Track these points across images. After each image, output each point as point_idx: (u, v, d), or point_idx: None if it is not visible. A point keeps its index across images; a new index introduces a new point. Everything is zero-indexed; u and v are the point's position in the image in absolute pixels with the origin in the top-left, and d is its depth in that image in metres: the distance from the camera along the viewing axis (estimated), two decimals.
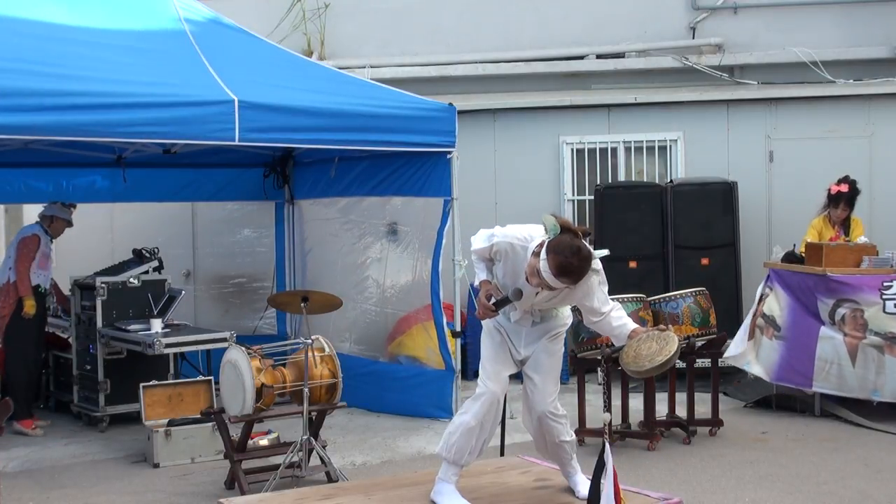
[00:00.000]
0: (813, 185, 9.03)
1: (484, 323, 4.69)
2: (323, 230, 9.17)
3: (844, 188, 8.20)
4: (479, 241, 4.59)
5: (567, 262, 4.14)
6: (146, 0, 7.44)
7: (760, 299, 8.00)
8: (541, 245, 4.24)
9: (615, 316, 4.53)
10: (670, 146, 10.31)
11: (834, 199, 8.25)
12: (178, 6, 7.42)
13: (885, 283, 7.33)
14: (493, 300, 4.46)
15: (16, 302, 7.91)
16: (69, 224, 8.28)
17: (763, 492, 5.91)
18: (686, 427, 7.18)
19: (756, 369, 7.87)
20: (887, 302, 7.31)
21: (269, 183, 9.61)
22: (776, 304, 7.84)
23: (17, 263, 7.92)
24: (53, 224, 8.18)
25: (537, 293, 4.39)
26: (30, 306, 7.88)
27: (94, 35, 6.91)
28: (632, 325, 4.54)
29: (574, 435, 4.91)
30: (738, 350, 7.92)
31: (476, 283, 4.63)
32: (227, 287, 9.89)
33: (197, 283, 9.81)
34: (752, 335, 7.93)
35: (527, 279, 4.30)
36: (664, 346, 4.29)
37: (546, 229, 4.25)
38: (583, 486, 4.59)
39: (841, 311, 7.43)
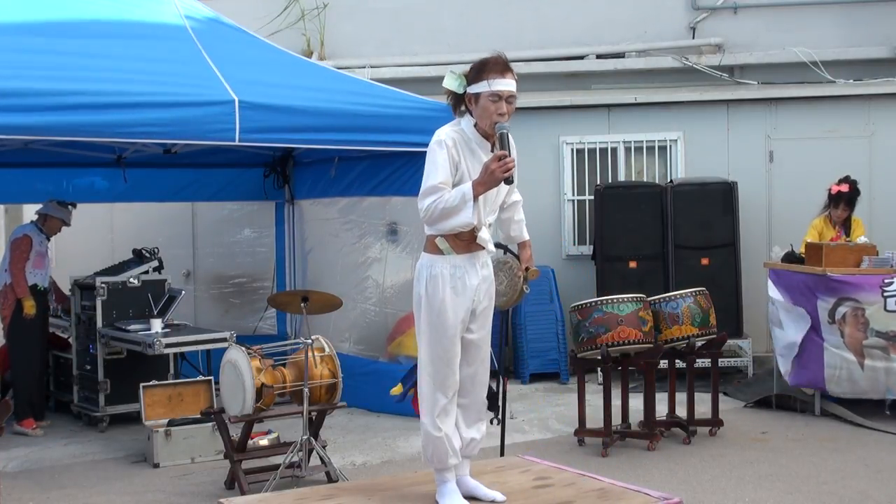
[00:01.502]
0: (813, 185, 9.03)
1: (431, 309, 4.04)
2: (323, 230, 9.17)
3: (845, 188, 8.19)
4: (430, 176, 3.98)
5: (494, 59, 4.07)
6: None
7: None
8: (468, 100, 4.08)
9: (519, 213, 4.36)
10: (670, 146, 10.31)
11: (834, 200, 8.25)
12: (179, 4, 7.42)
13: (886, 281, 7.33)
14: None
15: (15, 303, 7.91)
16: (65, 223, 8.26)
17: (763, 492, 5.91)
18: (686, 427, 7.18)
19: (781, 363, 7.88)
20: (888, 299, 7.30)
21: (269, 183, 9.61)
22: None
23: (11, 266, 7.90)
24: (47, 222, 8.16)
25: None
26: (29, 307, 7.87)
27: (95, 34, 6.92)
28: (526, 234, 4.38)
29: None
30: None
31: (468, 198, 3.90)
32: (227, 287, 9.90)
33: (197, 283, 9.82)
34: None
35: (484, 127, 4.06)
36: (508, 293, 4.34)
37: (455, 89, 4.09)
38: (485, 489, 4.33)
39: (842, 309, 7.43)
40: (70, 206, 8.27)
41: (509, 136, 4.03)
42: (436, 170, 4.00)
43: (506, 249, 4.37)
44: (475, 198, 3.92)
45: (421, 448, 4.33)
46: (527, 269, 4.31)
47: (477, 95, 4.05)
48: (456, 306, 4.07)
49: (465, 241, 4.09)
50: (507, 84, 4.06)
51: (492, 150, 4.07)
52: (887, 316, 7.31)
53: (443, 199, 3.94)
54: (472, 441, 4.34)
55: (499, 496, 4.29)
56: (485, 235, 4.11)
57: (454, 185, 4.01)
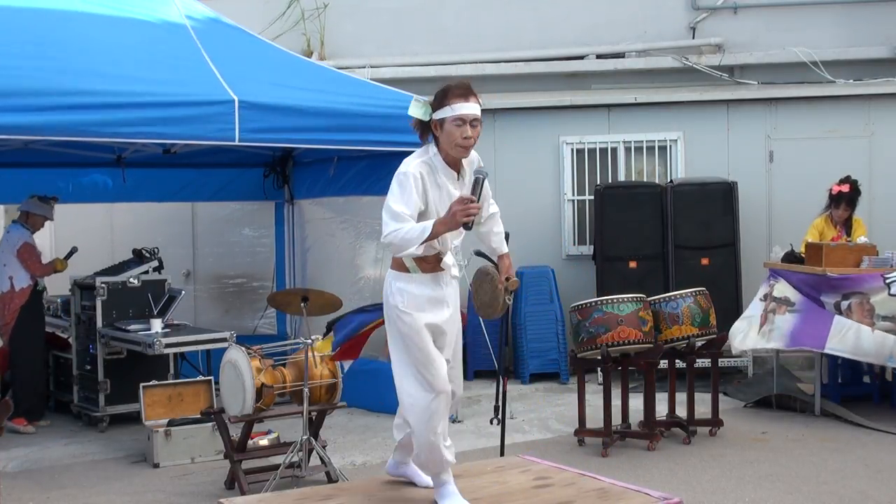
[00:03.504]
0: (813, 185, 9.03)
1: (400, 317, 4.18)
2: (322, 229, 9.17)
3: (846, 188, 8.19)
4: (398, 202, 4.07)
5: (457, 85, 4.10)
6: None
7: (766, 296, 7.96)
8: (434, 126, 4.12)
9: (497, 224, 4.48)
10: (670, 146, 10.31)
11: (835, 200, 8.25)
12: (180, 4, 7.43)
13: (887, 274, 7.32)
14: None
15: (18, 310, 7.91)
16: (47, 218, 8.23)
17: (763, 492, 5.91)
18: (686, 427, 7.17)
19: (772, 345, 7.78)
20: (892, 285, 7.26)
21: (269, 183, 9.61)
22: (786, 288, 7.81)
23: (36, 271, 7.98)
24: (30, 219, 8.14)
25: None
26: (60, 264, 8.16)
27: (95, 33, 6.91)
28: (505, 247, 4.50)
29: None
30: (749, 341, 7.89)
31: (425, 235, 3.98)
32: (227, 287, 9.90)
33: (197, 283, 9.82)
34: (763, 323, 7.87)
35: (449, 152, 4.10)
36: (491, 306, 4.45)
37: (421, 116, 4.14)
38: (422, 476, 4.51)
39: (846, 302, 7.41)
40: (52, 201, 8.20)
41: (485, 182, 4.14)
42: (404, 197, 4.08)
43: (485, 256, 4.49)
44: (434, 236, 4.01)
45: (414, 456, 4.35)
46: (507, 279, 4.40)
47: (442, 121, 4.10)
48: (425, 314, 4.18)
49: (431, 264, 4.21)
50: (470, 108, 4.09)
51: (461, 189, 4.13)
52: (892, 300, 7.27)
53: (405, 230, 4.03)
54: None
55: (431, 482, 4.42)
56: (448, 260, 4.22)
57: (421, 214, 4.09)
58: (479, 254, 4.90)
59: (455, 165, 4.19)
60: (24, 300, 7.98)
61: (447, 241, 4.19)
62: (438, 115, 4.10)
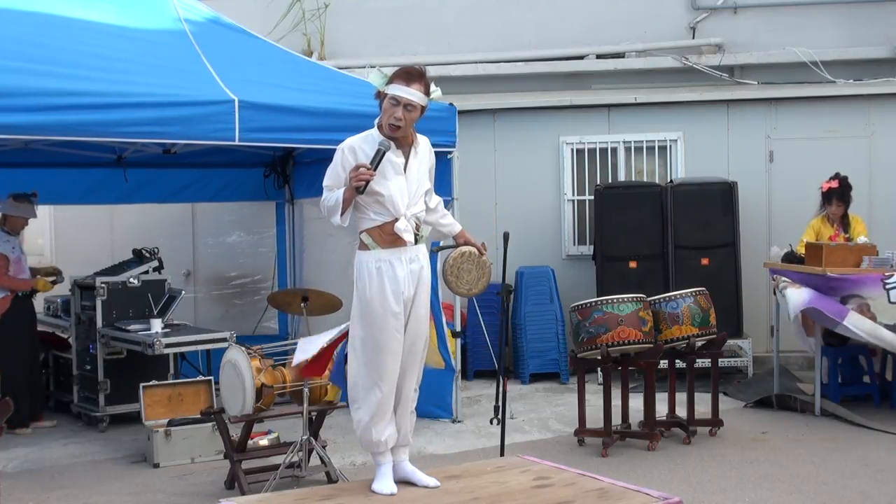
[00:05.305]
0: (813, 185, 9.01)
1: (362, 293, 4.39)
2: (321, 229, 9.16)
3: (835, 184, 8.22)
4: (325, 177, 4.47)
5: (407, 68, 4.38)
6: (146, 0, 7.45)
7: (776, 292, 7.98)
8: (382, 99, 4.40)
9: (443, 211, 4.75)
10: (670, 146, 10.31)
11: (826, 197, 8.27)
12: (178, 6, 7.42)
13: (887, 274, 7.30)
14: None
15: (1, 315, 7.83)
16: (28, 218, 8.01)
17: (763, 492, 5.91)
18: (686, 427, 7.18)
19: (792, 308, 7.59)
20: (891, 292, 7.25)
21: (269, 183, 9.61)
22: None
23: (4, 284, 7.73)
24: (9, 222, 7.93)
25: (406, 165, 4.44)
26: (42, 285, 7.93)
27: (94, 34, 6.92)
28: (458, 226, 4.78)
29: None
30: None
31: (339, 201, 4.35)
32: (227, 287, 9.89)
33: (197, 283, 9.82)
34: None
35: (384, 129, 4.38)
36: (481, 276, 4.76)
37: (376, 85, 4.41)
38: (421, 475, 4.62)
39: (848, 306, 7.40)
40: (32, 198, 7.99)
41: (384, 155, 4.35)
42: (329, 173, 4.45)
43: (445, 247, 4.80)
44: (345, 201, 4.32)
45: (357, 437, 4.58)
46: (483, 244, 4.75)
47: (384, 96, 4.38)
48: (383, 298, 4.36)
49: (390, 235, 4.39)
50: (406, 92, 4.33)
51: (373, 162, 4.35)
52: (892, 308, 7.26)
53: (327, 198, 4.41)
54: (405, 430, 4.60)
55: (433, 482, 4.54)
56: (401, 226, 4.39)
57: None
58: (437, 249, 5.07)
59: (403, 140, 4.41)
60: (1, 311, 7.75)
61: (400, 207, 4.39)
62: (386, 89, 4.36)
